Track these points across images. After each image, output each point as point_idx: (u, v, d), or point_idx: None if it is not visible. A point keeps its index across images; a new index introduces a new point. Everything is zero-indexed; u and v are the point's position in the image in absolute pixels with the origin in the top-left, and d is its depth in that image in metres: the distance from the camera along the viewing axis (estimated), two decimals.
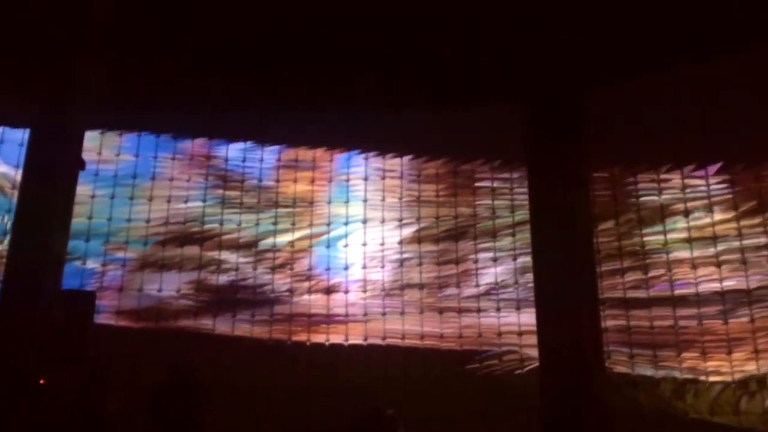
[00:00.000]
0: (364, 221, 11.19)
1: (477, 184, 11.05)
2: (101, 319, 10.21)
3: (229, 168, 11.41)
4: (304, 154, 11.51)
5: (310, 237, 11.15)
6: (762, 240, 9.21)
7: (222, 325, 10.79)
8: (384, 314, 10.79)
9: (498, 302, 10.49)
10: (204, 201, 11.21)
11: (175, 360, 7.42)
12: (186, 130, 11.37)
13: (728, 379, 8.99)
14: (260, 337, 10.69)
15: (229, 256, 11.04)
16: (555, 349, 7.16)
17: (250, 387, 9.98)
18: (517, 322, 10.25)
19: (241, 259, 11.00)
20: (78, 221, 9.85)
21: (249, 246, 11.10)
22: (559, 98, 7.74)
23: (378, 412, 7.29)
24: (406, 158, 11.43)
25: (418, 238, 11.11)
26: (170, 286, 10.79)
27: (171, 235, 11.06)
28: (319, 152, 11.51)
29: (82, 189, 9.90)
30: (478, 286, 10.64)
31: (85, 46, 7.59)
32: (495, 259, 10.69)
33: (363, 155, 11.43)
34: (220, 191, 11.30)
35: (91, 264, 10.81)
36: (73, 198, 7.57)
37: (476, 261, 10.75)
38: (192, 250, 11.00)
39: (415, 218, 11.18)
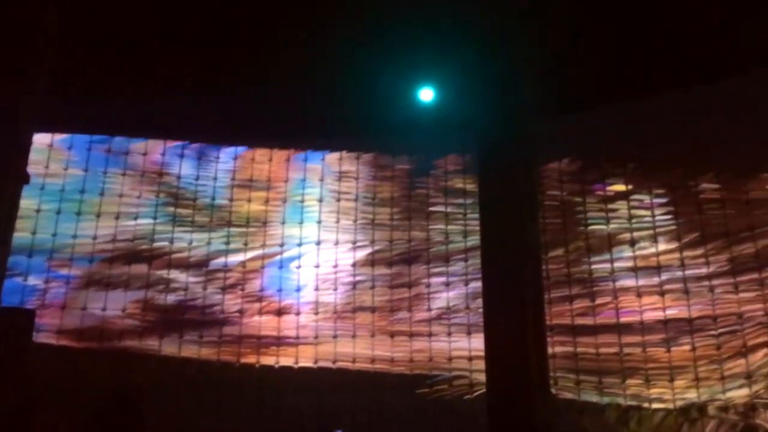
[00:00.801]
0: (318, 243, 11.16)
1: (431, 209, 11.15)
2: (41, 338, 9.88)
3: (181, 186, 11.26)
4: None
5: (263, 257, 11.05)
6: (703, 270, 9.50)
7: (168, 346, 10.54)
8: (335, 337, 10.71)
9: (449, 327, 10.54)
10: (155, 218, 11.02)
11: (119, 381, 7.22)
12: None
13: (670, 406, 9.19)
14: (208, 358, 10.48)
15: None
16: (502, 375, 7.23)
17: (196, 409, 9.79)
18: (467, 347, 10.29)
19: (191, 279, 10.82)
20: (21, 236, 9.56)
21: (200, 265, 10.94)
22: (508, 127, 7.89)
23: None
24: (361, 181, 11.50)
25: (371, 261, 11.11)
26: (115, 304, 10.51)
27: (118, 252, 10.82)
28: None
29: (27, 203, 9.63)
30: (429, 310, 10.67)
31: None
32: (447, 284, 10.75)
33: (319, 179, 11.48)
34: (172, 209, 11.12)
35: (33, 281, 10.45)
36: (15, 212, 7.33)
37: (428, 285, 10.80)
38: (140, 269, 10.77)
39: (369, 241, 11.19)
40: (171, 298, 10.70)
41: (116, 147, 11.28)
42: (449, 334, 10.50)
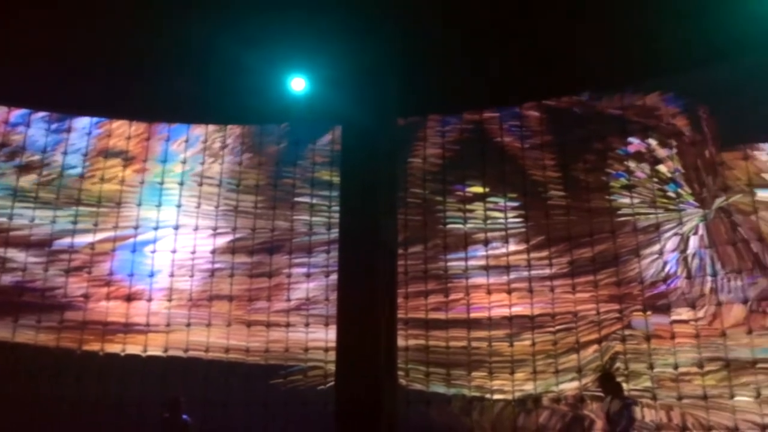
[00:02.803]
0: (176, 227, 10.76)
1: (296, 199, 11.08)
2: None
3: (25, 158, 10.42)
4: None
5: (114, 240, 10.48)
6: (547, 271, 10.16)
7: (1, 331, 9.74)
8: (188, 325, 10.39)
9: (308, 318, 10.54)
10: None
11: None
12: None
13: (509, 397, 9.77)
14: (46, 345, 9.79)
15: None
16: (351, 366, 7.35)
17: (33, 398, 9.15)
18: (324, 338, 10.33)
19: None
20: None
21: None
22: (372, 122, 8.01)
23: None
24: (227, 165, 11.22)
25: (232, 249, 10.88)
26: None
27: None
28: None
29: None
30: (289, 300, 10.62)
31: None
32: (308, 275, 10.74)
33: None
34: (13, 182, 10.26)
35: None
36: None
37: (289, 275, 10.73)
38: None
39: (230, 228, 10.94)
40: (6, 279, 9.87)
41: None
42: (307, 324, 10.51)
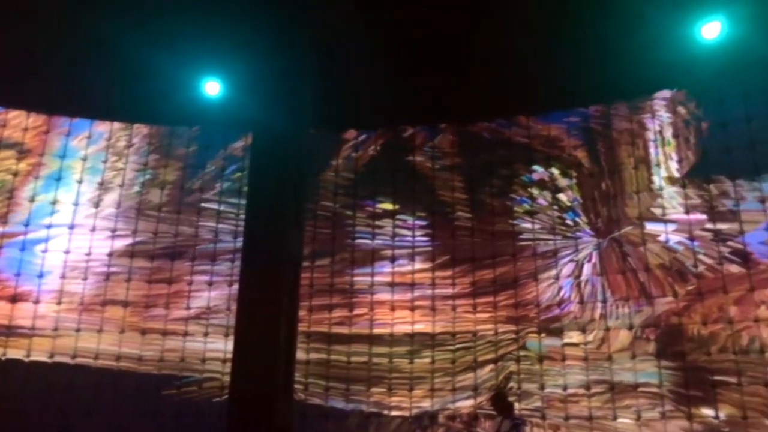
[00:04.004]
0: (72, 227, 10.23)
1: (203, 205, 10.80)
2: None
3: None
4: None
5: (1, 236, 9.84)
6: (449, 291, 10.37)
7: None
8: (78, 330, 9.89)
9: (207, 327, 10.25)
10: None
11: None
12: None
13: (406, 414, 9.86)
14: None
15: None
16: (247, 379, 7.21)
17: None
18: (223, 349, 10.06)
19: None
20: None
21: None
22: (284, 131, 7.95)
23: None
24: (131, 165, 10.82)
25: (131, 252, 10.46)
26: None
27: None
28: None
29: None
30: (188, 308, 10.29)
31: None
32: (210, 283, 10.46)
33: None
34: None
35: None
36: None
37: (190, 283, 10.42)
38: None
39: (131, 231, 10.52)
40: None
41: None
42: (206, 334, 10.21)
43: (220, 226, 10.73)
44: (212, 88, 9.98)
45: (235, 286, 10.20)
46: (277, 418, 7.16)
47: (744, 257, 8.92)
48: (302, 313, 10.13)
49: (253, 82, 8.80)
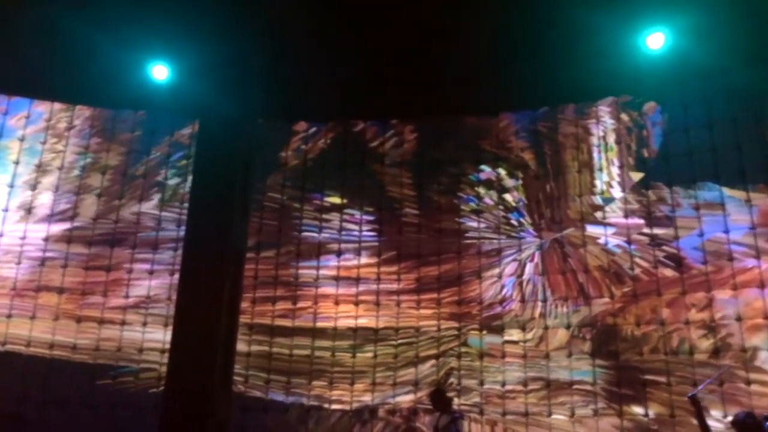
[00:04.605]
0: (5, 209, 9.85)
1: (147, 191, 10.54)
2: None
3: None
4: None
5: None
6: (394, 286, 10.42)
7: None
8: (9, 316, 9.54)
9: (146, 317, 10.03)
10: None
11: None
12: None
13: (347, 407, 9.87)
14: None
15: None
16: (185, 370, 7.08)
17: None
18: (162, 339, 9.86)
19: None
20: None
21: None
22: (232, 120, 7.83)
23: None
24: (71, 148, 10.48)
25: (68, 238, 10.14)
26: None
27: None
28: None
29: None
30: (127, 297, 10.05)
31: None
32: (151, 272, 10.24)
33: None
34: None
35: None
36: None
37: (130, 271, 10.17)
38: None
39: (69, 215, 10.19)
40: None
41: None
42: (145, 324, 9.99)
43: (164, 213, 10.52)
44: (159, 72, 9.74)
45: (177, 276, 10.04)
46: (215, 411, 7.05)
47: (677, 261, 9.26)
48: (245, 304, 10.02)
49: (202, 68, 8.61)
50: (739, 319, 8.69)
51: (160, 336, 9.85)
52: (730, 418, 7.98)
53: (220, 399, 7.20)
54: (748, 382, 8.44)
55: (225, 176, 7.80)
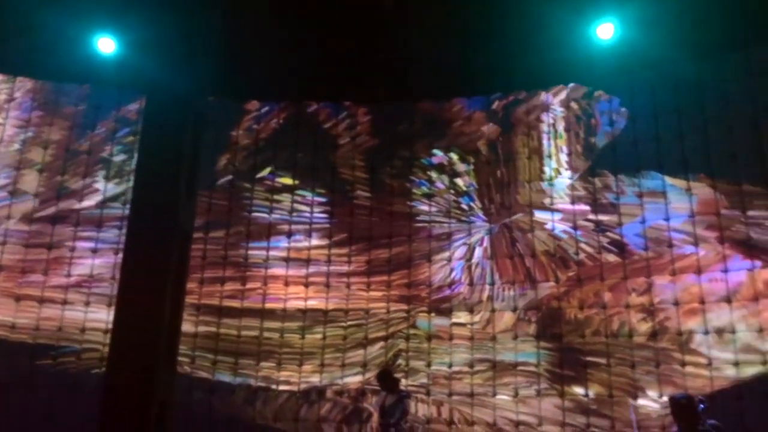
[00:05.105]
0: None
1: (91, 168, 10.26)
2: None
3: None
4: None
5: None
6: (345, 268, 10.42)
7: None
8: None
9: (89, 296, 9.80)
10: None
11: None
12: None
13: (295, 388, 9.87)
14: None
15: None
16: (127, 350, 6.94)
17: None
18: (106, 320, 9.63)
19: None
20: None
21: None
22: (181, 96, 7.65)
23: None
24: (12, 121, 10.09)
25: (7, 215, 9.81)
26: None
27: None
28: None
29: None
30: (69, 276, 9.79)
31: None
32: (95, 251, 9.99)
33: None
34: None
35: None
36: None
37: (73, 249, 9.90)
38: None
39: (8, 192, 9.86)
40: None
41: None
42: (87, 304, 9.77)
43: (109, 191, 10.25)
44: (106, 45, 9.43)
45: (121, 255, 9.83)
46: (158, 392, 6.95)
47: (620, 247, 9.52)
48: (193, 285, 9.91)
49: (150, 42, 8.33)
50: (676, 303, 9.01)
51: (104, 316, 9.63)
52: (665, 398, 8.34)
53: (163, 380, 7.09)
54: (683, 364, 8.77)
55: (172, 154, 7.62)
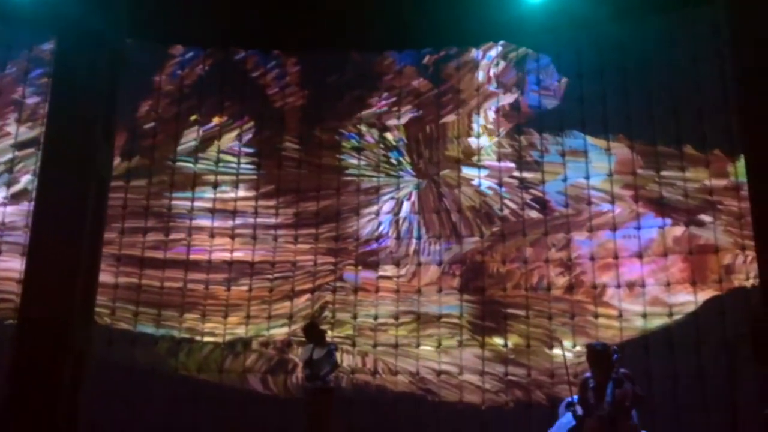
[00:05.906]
0: None
1: (5, 108, 9.67)
2: None
3: None
4: None
5: None
6: (272, 220, 10.32)
7: None
8: None
9: (1, 245, 9.38)
10: None
11: None
12: None
13: (220, 340, 9.82)
14: None
15: None
16: (40, 300, 6.67)
17: None
18: (19, 269, 9.19)
19: None
20: None
21: None
22: (96, 36, 7.23)
23: None
24: None
25: None
26: None
27: None
28: None
29: None
30: None
31: None
32: (8, 198, 9.51)
33: None
34: None
35: None
36: None
37: None
38: None
39: None
40: None
41: None
42: (0, 252, 9.34)
43: (21, 134, 9.72)
44: None
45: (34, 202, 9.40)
46: (74, 343, 6.74)
47: (542, 204, 9.81)
48: (113, 235, 9.65)
49: None
50: (592, 258, 9.41)
51: (17, 265, 9.22)
52: (578, 348, 8.77)
53: (79, 330, 6.88)
54: (596, 316, 9.22)
55: (87, 97, 7.23)
